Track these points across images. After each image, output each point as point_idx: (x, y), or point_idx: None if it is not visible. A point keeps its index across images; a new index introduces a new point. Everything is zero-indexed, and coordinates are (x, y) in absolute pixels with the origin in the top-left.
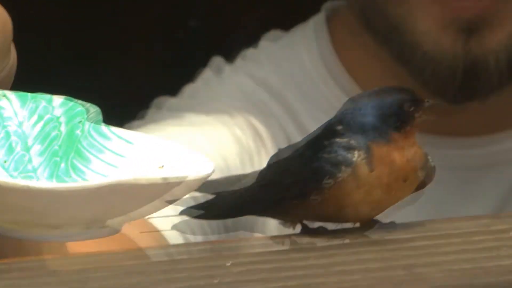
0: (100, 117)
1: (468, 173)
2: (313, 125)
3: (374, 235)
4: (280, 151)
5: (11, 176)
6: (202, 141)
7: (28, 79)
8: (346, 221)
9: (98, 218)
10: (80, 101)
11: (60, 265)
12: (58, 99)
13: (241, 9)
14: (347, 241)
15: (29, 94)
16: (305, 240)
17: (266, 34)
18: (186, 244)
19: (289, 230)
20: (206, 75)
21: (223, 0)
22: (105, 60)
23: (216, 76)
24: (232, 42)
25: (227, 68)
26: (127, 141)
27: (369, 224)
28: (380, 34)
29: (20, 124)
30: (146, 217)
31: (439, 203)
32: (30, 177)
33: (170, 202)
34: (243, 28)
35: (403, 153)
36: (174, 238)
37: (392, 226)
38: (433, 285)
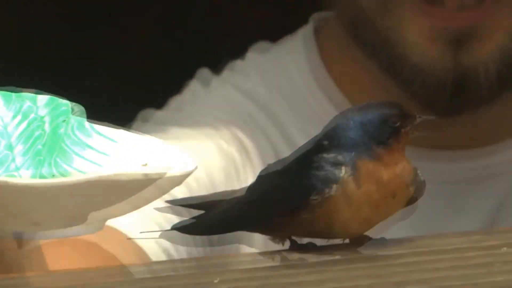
0: (84, 116)
1: (458, 187)
2: (300, 138)
3: (364, 251)
4: (269, 166)
5: None
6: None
7: (28, 79)
8: (335, 237)
9: (79, 215)
10: (65, 100)
11: (44, 282)
12: (43, 99)
13: (241, 9)
14: (337, 257)
15: (14, 94)
16: (295, 256)
17: (253, 45)
18: (171, 261)
19: (278, 246)
20: (193, 87)
21: (223, 0)
22: (105, 60)
23: (203, 88)
24: (224, 51)
25: (214, 80)
26: (111, 140)
27: (359, 240)
28: (369, 46)
29: (4, 124)
30: (133, 237)
31: (428, 217)
32: (13, 176)
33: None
34: (243, 28)
35: (391, 169)
36: (156, 255)
37: (382, 242)
38: None
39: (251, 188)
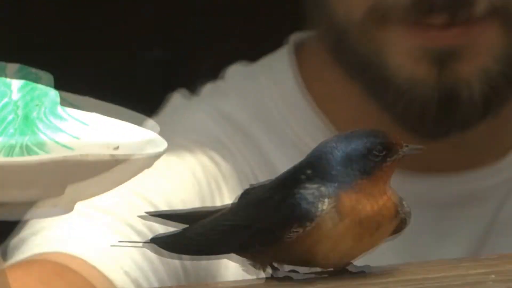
0: (52, 85)
1: (442, 211)
2: (280, 161)
3: (347, 281)
4: (252, 188)
5: None
6: (162, 183)
7: None
8: (317, 267)
9: (45, 197)
10: (33, 69)
11: None
12: (17, 83)
13: (241, 9)
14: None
15: None
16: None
17: (232, 65)
18: None
19: (255, 273)
20: (170, 108)
21: (223, 0)
22: (105, 60)
23: (180, 109)
24: (202, 70)
25: (192, 101)
26: (83, 123)
27: (342, 269)
28: (351, 68)
29: None
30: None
31: (412, 241)
32: None
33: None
34: (222, 48)
35: (374, 200)
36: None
37: (366, 270)
38: None
39: (233, 211)
